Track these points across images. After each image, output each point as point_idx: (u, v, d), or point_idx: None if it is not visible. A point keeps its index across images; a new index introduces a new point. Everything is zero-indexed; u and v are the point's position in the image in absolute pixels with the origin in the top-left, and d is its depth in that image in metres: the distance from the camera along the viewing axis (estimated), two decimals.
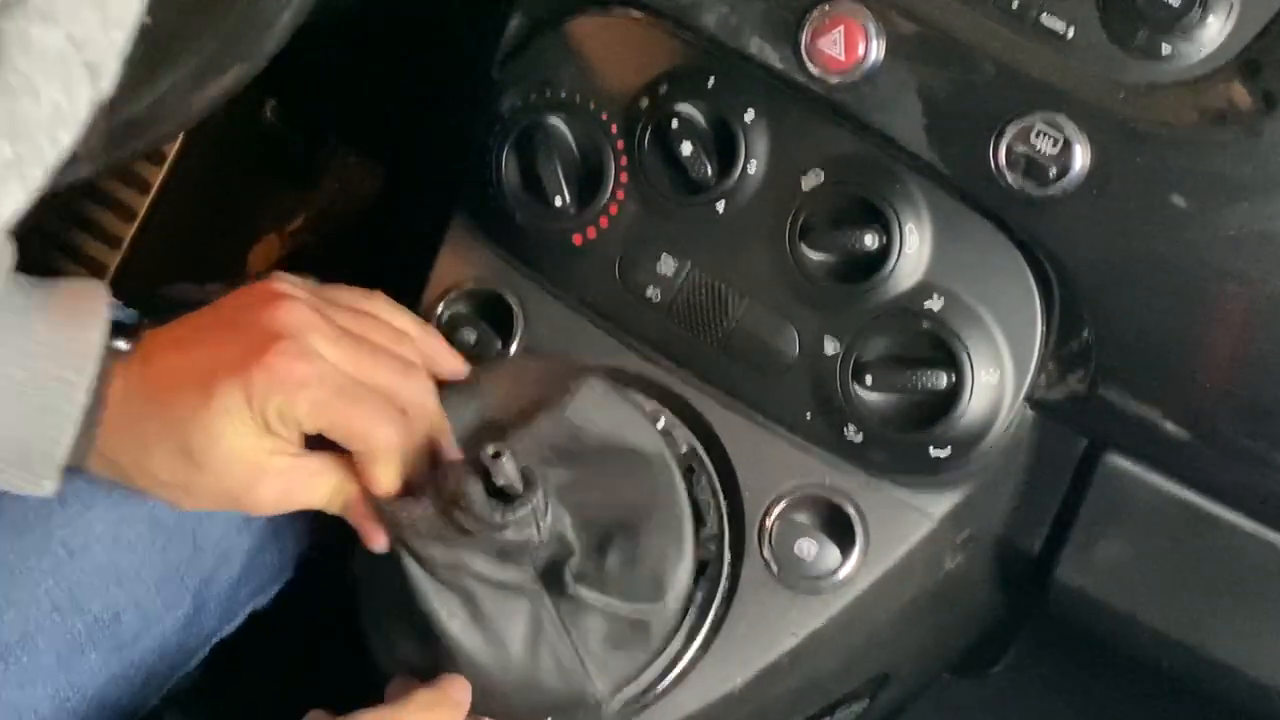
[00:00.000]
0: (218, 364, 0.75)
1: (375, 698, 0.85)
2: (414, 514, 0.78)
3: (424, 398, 0.81)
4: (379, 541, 0.80)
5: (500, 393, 0.86)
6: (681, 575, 0.84)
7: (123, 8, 0.47)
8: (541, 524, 0.77)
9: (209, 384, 0.75)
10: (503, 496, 0.76)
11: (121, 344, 0.77)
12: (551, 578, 0.81)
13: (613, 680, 0.83)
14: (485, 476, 0.76)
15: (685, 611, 0.85)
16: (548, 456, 0.84)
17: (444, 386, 0.85)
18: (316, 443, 0.79)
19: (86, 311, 0.76)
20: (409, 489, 0.80)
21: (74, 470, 0.78)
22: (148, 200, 1.44)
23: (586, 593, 0.81)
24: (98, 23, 0.46)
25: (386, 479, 0.79)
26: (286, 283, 0.80)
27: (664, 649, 0.85)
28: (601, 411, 0.85)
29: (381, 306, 0.85)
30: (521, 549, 0.78)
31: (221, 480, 0.77)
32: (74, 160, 0.74)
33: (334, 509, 0.81)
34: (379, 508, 0.79)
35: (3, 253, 0.73)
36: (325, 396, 0.76)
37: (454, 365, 0.87)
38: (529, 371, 0.88)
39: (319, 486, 0.80)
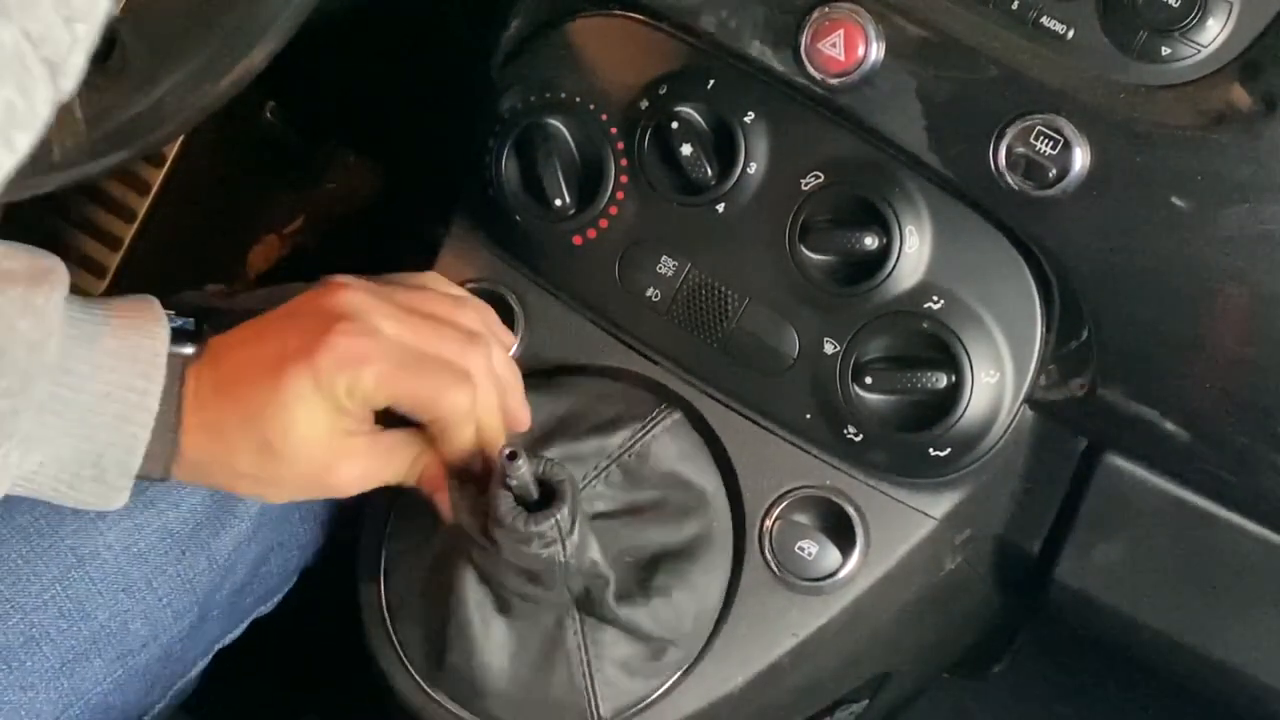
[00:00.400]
0: (283, 353, 0.77)
1: (375, 702, 0.86)
2: (464, 501, 0.79)
3: (488, 362, 0.82)
4: (450, 515, 0.81)
5: (581, 401, 0.88)
6: (707, 609, 0.86)
7: (88, 2, 0.44)
8: (567, 542, 0.77)
9: (278, 373, 0.77)
10: (530, 507, 0.77)
11: (187, 349, 0.78)
12: (588, 603, 0.82)
13: (615, 708, 0.84)
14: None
15: (703, 648, 0.86)
16: (613, 474, 0.86)
17: (529, 386, 0.86)
18: (393, 422, 0.81)
19: (147, 322, 0.78)
20: (485, 467, 0.81)
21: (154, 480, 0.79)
22: (148, 201, 1.44)
23: (625, 611, 0.82)
24: (59, 18, 0.42)
25: (460, 445, 0.80)
26: (341, 276, 0.83)
27: (678, 681, 0.85)
28: (676, 445, 0.88)
29: (437, 281, 0.87)
30: (549, 570, 0.78)
31: (301, 466, 0.78)
32: (60, 167, 0.75)
33: (410, 482, 0.82)
34: (448, 482, 0.81)
35: (61, 273, 0.74)
36: (389, 369, 0.77)
37: (508, 338, 0.89)
38: (612, 389, 0.90)
39: (396, 462, 0.81)
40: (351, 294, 0.80)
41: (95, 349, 0.75)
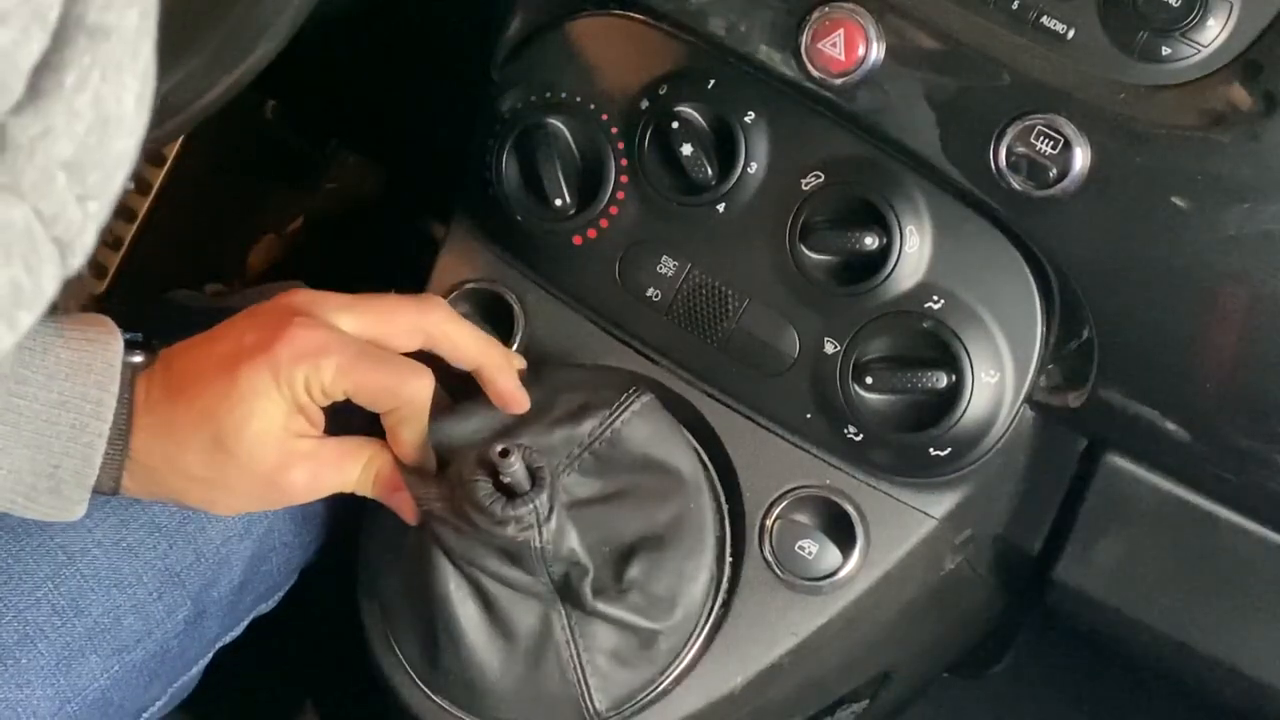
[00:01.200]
0: (239, 350, 0.78)
1: (375, 702, 0.85)
2: (430, 491, 0.79)
3: (450, 327, 0.83)
4: (411, 515, 0.82)
5: (546, 392, 0.88)
6: (695, 596, 0.85)
7: (103, 179, 0.42)
8: (544, 528, 0.77)
9: (234, 368, 0.77)
10: (509, 493, 0.77)
11: (137, 357, 0.79)
12: (568, 592, 0.81)
13: (611, 699, 0.84)
14: (494, 471, 0.77)
15: (694, 633, 0.86)
16: (585, 461, 0.85)
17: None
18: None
19: (100, 333, 0.78)
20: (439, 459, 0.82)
21: (104, 495, 0.79)
22: (148, 200, 1.44)
23: (602, 606, 0.81)
24: (72, 196, 0.41)
25: (414, 440, 0.81)
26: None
27: (668, 669, 0.85)
28: (647, 427, 0.87)
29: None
30: (524, 551, 0.78)
31: (253, 466, 0.78)
32: None
33: (364, 490, 0.82)
34: (405, 480, 0.81)
35: None
36: (349, 359, 0.78)
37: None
38: (581, 375, 0.89)
39: (347, 467, 0.81)
40: (302, 292, 0.81)
41: (49, 358, 0.76)
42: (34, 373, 0.75)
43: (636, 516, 0.85)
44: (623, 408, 0.86)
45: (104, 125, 0.41)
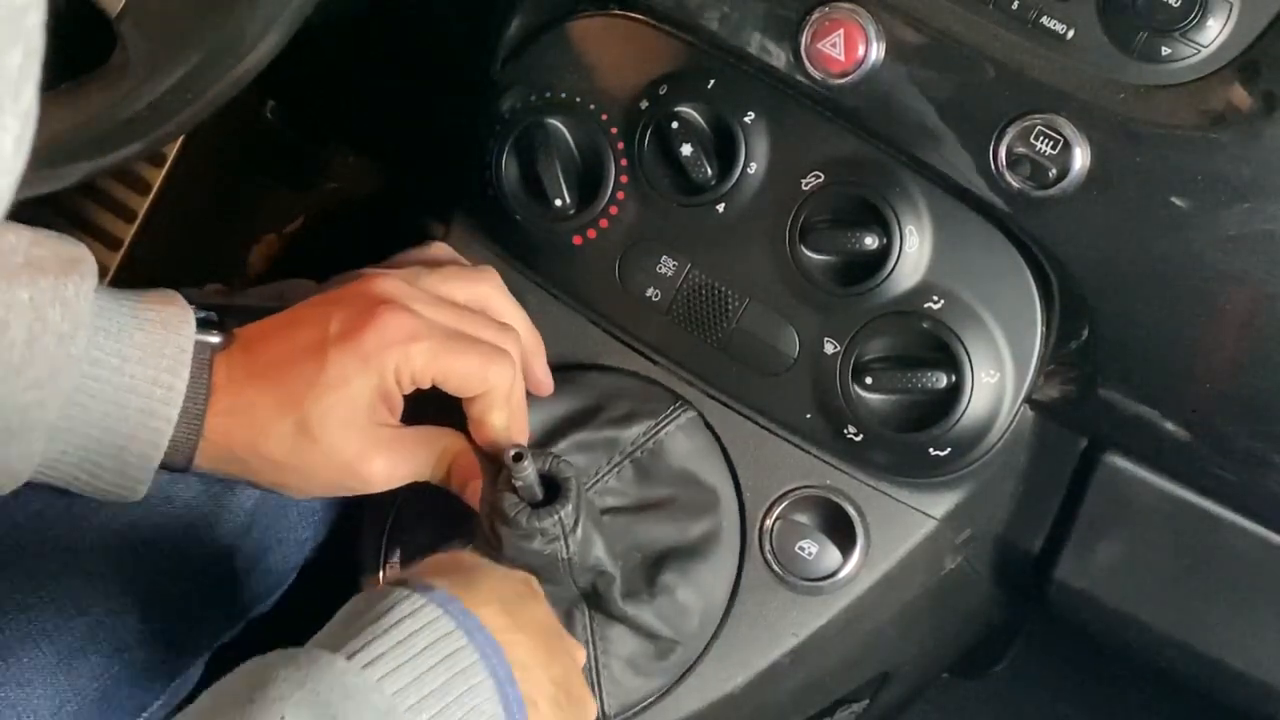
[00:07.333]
0: (326, 336, 0.78)
1: None
2: (486, 493, 0.79)
3: (520, 346, 0.83)
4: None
5: (597, 396, 0.88)
6: (713, 613, 0.86)
7: None
8: (570, 539, 0.77)
9: (322, 355, 0.77)
10: (534, 504, 0.77)
11: (214, 337, 0.79)
12: (596, 599, 0.82)
13: (620, 705, 0.84)
14: (509, 477, 0.77)
15: (709, 645, 0.86)
16: (626, 469, 0.86)
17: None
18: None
19: (173, 315, 0.78)
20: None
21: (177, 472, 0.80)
22: (148, 200, 1.44)
23: (631, 609, 0.82)
24: None
25: (501, 425, 0.81)
26: (369, 269, 0.84)
27: (679, 680, 0.85)
28: (689, 443, 0.88)
29: (446, 250, 0.87)
30: (551, 566, 0.78)
31: (335, 453, 0.79)
32: (59, 166, 0.75)
33: (438, 479, 0.82)
34: (484, 469, 0.81)
35: (90, 263, 0.75)
36: (438, 346, 0.78)
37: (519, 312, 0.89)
38: (628, 386, 0.90)
39: (423, 456, 0.81)
40: (388, 280, 0.81)
41: (123, 342, 0.76)
42: (108, 355, 0.75)
43: (670, 528, 0.86)
44: (668, 419, 0.88)
45: None
